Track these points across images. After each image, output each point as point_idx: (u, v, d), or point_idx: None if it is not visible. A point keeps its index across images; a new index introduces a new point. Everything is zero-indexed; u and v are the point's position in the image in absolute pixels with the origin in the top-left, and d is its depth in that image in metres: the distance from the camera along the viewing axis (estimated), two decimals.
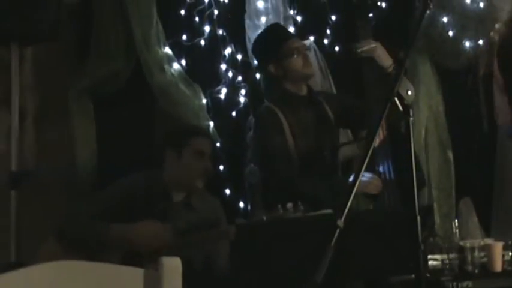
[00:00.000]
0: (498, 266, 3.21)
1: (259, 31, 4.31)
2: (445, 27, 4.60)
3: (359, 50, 3.92)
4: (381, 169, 3.75)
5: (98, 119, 4.27)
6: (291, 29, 4.43)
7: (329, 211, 3.07)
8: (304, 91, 3.86)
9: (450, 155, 4.65)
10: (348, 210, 2.22)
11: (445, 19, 4.59)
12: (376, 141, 3.62)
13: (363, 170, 2.27)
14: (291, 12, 4.51)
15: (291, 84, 3.83)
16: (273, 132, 3.74)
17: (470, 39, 4.62)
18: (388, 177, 3.76)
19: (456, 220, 3.56)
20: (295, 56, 3.79)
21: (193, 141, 3.43)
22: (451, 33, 4.61)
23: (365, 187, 3.64)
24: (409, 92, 2.40)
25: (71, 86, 4.21)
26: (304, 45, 3.91)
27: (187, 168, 3.41)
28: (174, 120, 4.22)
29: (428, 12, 4.60)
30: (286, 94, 3.83)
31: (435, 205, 4.49)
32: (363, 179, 3.59)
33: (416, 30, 2.62)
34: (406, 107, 2.40)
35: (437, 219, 4.46)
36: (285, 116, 3.77)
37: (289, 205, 3.08)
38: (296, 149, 3.73)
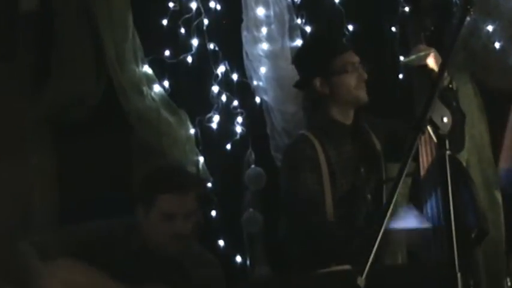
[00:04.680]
0: None
1: (260, 45, 4.33)
2: (490, 38, 4.60)
3: (406, 60, 3.84)
4: (428, 211, 3.71)
5: (60, 153, 4.27)
6: (299, 42, 4.47)
7: (347, 267, 3.05)
8: (350, 119, 3.83)
9: (498, 196, 4.63)
10: (371, 265, 2.21)
11: (490, 28, 4.59)
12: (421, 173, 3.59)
13: (386, 220, 2.25)
14: (299, 21, 4.54)
15: (337, 108, 3.79)
16: (305, 169, 3.71)
17: None
18: (436, 222, 3.70)
19: (508, 279, 3.52)
20: (348, 72, 3.77)
21: (159, 200, 3.34)
22: (497, 45, 4.61)
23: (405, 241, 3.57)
24: (445, 119, 2.40)
25: (27, 114, 4.21)
26: (360, 61, 3.84)
27: (153, 231, 3.36)
28: (155, 155, 4.21)
29: (468, 19, 4.60)
30: (329, 121, 3.81)
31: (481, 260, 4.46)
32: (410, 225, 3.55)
33: (453, 42, 2.62)
34: (442, 138, 2.39)
35: (484, 277, 4.43)
36: (323, 149, 3.74)
37: None
38: (332, 193, 3.70)
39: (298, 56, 4.00)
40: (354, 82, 3.77)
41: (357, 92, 3.78)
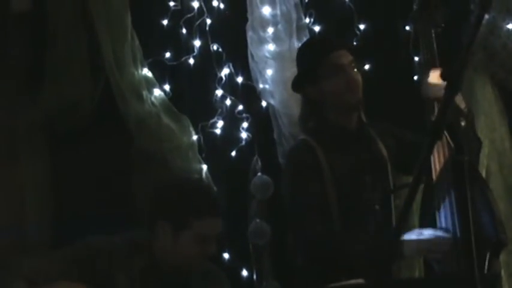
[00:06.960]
0: None
1: (266, 46, 4.33)
2: (510, 37, 4.60)
3: (424, 96, 3.70)
4: (442, 220, 3.69)
5: (55, 161, 4.27)
6: None
7: (360, 281, 3.05)
8: (353, 124, 3.80)
9: None
10: (387, 277, 2.21)
11: (510, 26, 4.59)
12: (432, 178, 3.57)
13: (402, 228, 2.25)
14: (307, 20, 4.53)
15: (334, 112, 3.78)
16: (306, 177, 3.70)
17: None
18: (451, 232, 3.68)
19: None
20: (337, 75, 3.73)
21: (196, 224, 3.35)
22: None
23: (426, 250, 3.54)
24: (463, 123, 2.40)
25: (20, 119, 4.21)
26: (353, 60, 3.79)
27: (182, 253, 3.35)
28: (156, 164, 4.20)
29: (487, 16, 4.59)
30: (328, 126, 3.79)
31: (503, 273, 4.44)
32: (422, 237, 3.53)
33: (471, 41, 2.61)
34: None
35: None
36: (325, 155, 3.72)
37: None
38: (337, 201, 3.69)
39: (296, 59, 3.97)
40: (342, 86, 3.72)
41: (347, 96, 3.73)
